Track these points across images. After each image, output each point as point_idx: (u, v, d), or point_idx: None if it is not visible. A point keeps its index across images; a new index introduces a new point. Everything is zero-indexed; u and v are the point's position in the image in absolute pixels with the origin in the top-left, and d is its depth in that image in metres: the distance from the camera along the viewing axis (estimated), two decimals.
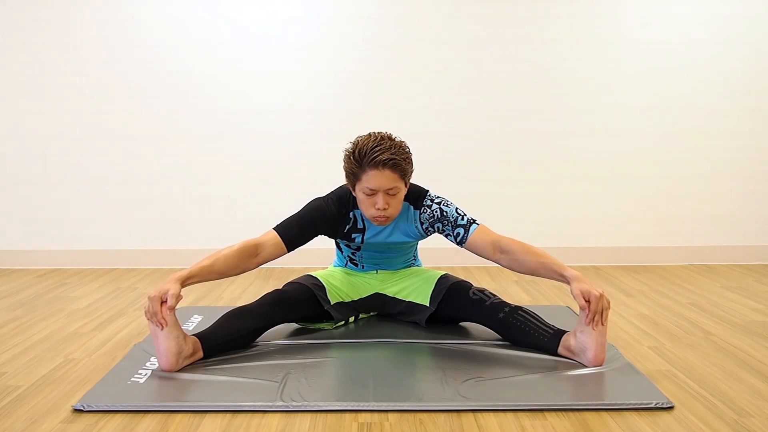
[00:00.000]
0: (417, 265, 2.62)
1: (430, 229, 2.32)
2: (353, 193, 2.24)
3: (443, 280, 2.40)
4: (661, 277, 3.48)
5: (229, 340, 2.15)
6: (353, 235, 2.35)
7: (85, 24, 3.66)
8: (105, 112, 3.72)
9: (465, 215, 2.29)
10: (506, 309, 2.22)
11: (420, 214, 2.30)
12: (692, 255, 3.82)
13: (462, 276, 2.49)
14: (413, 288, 2.45)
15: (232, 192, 3.77)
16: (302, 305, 2.33)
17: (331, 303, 2.39)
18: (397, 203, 2.18)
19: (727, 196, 3.82)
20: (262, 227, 3.73)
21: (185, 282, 2.01)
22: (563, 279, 2.09)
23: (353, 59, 3.67)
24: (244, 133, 3.73)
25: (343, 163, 2.20)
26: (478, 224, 2.26)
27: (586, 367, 2.02)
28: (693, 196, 3.82)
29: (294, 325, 2.45)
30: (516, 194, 3.79)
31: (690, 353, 2.24)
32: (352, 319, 2.49)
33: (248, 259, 2.15)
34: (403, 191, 2.20)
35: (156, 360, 2.07)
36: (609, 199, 3.81)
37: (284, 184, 3.72)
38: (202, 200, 3.77)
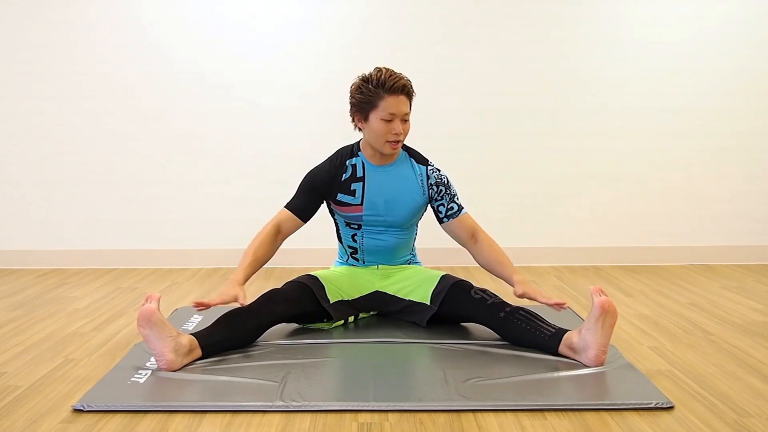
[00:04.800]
0: (416, 264, 2.62)
1: (432, 189, 2.43)
2: (362, 126, 2.35)
3: (444, 279, 2.40)
4: (661, 277, 3.48)
5: (227, 338, 2.15)
6: (353, 186, 2.39)
7: (86, 24, 3.66)
8: (105, 112, 3.72)
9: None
10: (507, 309, 2.22)
11: (428, 170, 2.45)
12: (692, 255, 3.82)
13: (462, 276, 2.49)
14: (414, 287, 2.45)
15: (232, 192, 3.77)
16: (301, 304, 2.33)
17: (331, 302, 2.39)
18: (407, 132, 2.35)
19: (727, 196, 3.82)
20: (261, 227, 3.74)
21: (244, 283, 2.23)
22: (510, 281, 2.32)
23: (352, 59, 3.66)
24: (245, 134, 3.73)
25: (353, 98, 2.31)
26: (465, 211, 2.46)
27: (587, 367, 2.02)
28: (693, 196, 3.82)
29: (294, 325, 2.45)
30: (516, 194, 3.79)
31: (690, 353, 2.24)
32: (351, 319, 2.49)
33: (275, 240, 2.37)
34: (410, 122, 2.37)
35: (156, 361, 2.07)
36: (609, 199, 3.81)
37: (284, 185, 3.70)
38: (202, 200, 3.77)
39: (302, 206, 2.41)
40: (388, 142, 2.30)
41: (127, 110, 3.72)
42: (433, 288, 2.39)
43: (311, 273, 2.46)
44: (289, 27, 3.69)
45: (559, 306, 2.17)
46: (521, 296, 2.26)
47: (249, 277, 2.28)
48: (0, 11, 3.65)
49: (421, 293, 2.42)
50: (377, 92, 2.25)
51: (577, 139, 3.76)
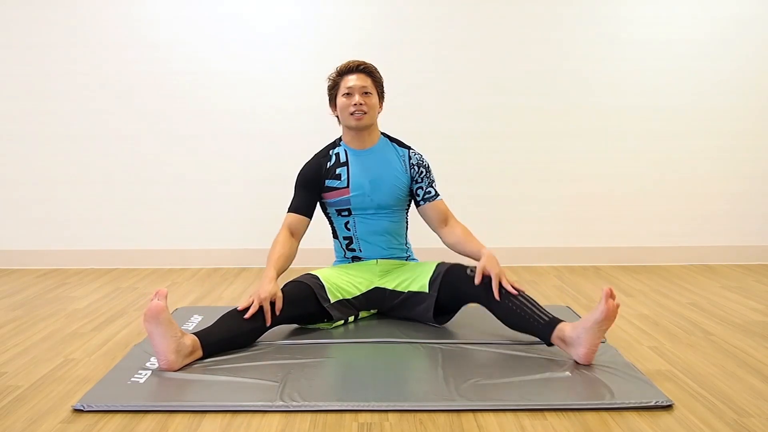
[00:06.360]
0: (413, 261, 2.65)
1: (414, 169, 2.55)
2: (335, 113, 2.55)
3: (440, 266, 2.45)
4: (661, 277, 3.48)
5: (228, 338, 2.16)
6: (338, 171, 2.51)
7: (86, 24, 3.66)
8: (105, 112, 3.72)
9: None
10: (503, 290, 2.23)
11: (410, 152, 2.57)
12: (692, 255, 3.82)
13: None
14: (412, 279, 2.47)
15: (232, 192, 3.77)
16: (302, 303, 2.34)
17: (331, 301, 2.39)
18: (373, 106, 2.48)
19: (727, 196, 3.82)
20: (262, 227, 3.74)
21: (276, 278, 2.30)
22: (477, 255, 2.36)
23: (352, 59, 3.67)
24: (245, 134, 3.73)
25: (327, 90, 2.54)
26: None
27: (585, 365, 2.03)
28: (693, 196, 3.82)
29: (294, 325, 2.45)
30: (516, 194, 3.79)
31: (690, 353, 2.24)
32: (351, 318, 2.49)
33: (291, 241, 2.46)
34: (376, 99, 2.51)
35: (156, 360, 2.08)
36: (609, 199, 3.81)
37: (285, 184, 3.71)
38: (202, 200, 3.77)
39: (302, 203, 2.51)
40: (351, 114, 2.45)
41: (127, 110, 3.72)
42: (430, 276, 2.42)
43: (311, 272, 2.46)
44: (292, 28, 3.69)
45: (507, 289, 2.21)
46: (483, 273, 2.27)
47: (280, 273, 2.35)
48: (0, 11, 3.65)
49: (419, 283, 2.44)
50: (337, 77, 2.51)
51: (577, 138, 3.76)
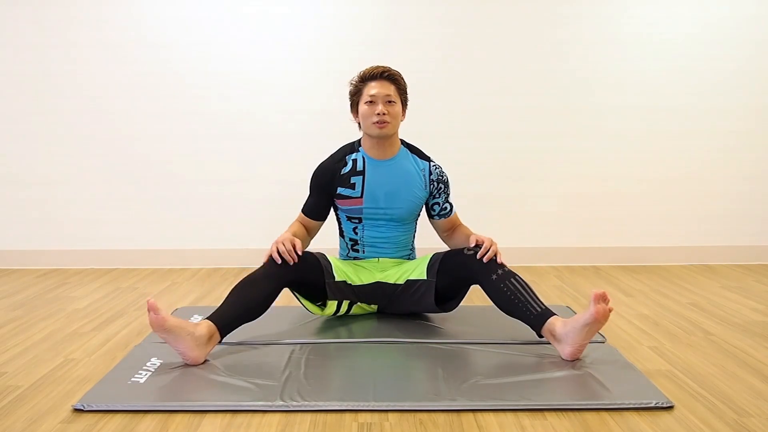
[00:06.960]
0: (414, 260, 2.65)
1: (433, 185, 2.53)
2: (356, 119, 2.49)
3: (437, 254, 2.46)
4: (661, 277, 3.48)
5: (241, 313, 2.18)
6: (352, 180, 2.46)
7: (87, 24, 3.65)
8: (105, 112, 3.72)
9: None
10: (499, 272, 2.23)
11: (431, 166, 2.54)
12: (692, 255, 3.82)
13: None
14: (411, 270, 2.49)
15: (232, 192, 3.77)
16: (308, 269, 2.35)
17: (336, 279, 2.41)
18: (395, 115, 2.43)
19: (727, 196, 3.82)
20: (262, 227, 3.74)
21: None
22: (469, 237, 2.40)
23: (352, 59, 3.66)
24: (245, 134, 3.73)
25: (348, 95, 2.48)
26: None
27: (586, 366, 2.03)
28: (692, 195, 3.82)
29: (294, 327, 2.46)
30: (516, 194, 3.79)
31: (690, 353, 2.24)
32: (345, 306, 2.49)
33: (306, 231, 2.53)
34: (399, 107, 2.44)
35: (157, 360, 2.09)
36: (609, 199, 3.81)
37: (285, 185, 3.72)
38: (202, 200, 3.77)
39: (314, 207, 2.53)
40: (373, 123, 2.39)
41: (126, 111, 3.72)
42: (428, 263, 2.44)
43: (321, 252, 2.49)
44: (290, 27, 3.68)
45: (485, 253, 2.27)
46: (477, 241, 2.34)
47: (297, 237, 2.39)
48: (0, 11, 3.65)
49: (418, 271, 2.46)
50: (360, 83, 2.44)
51: (577, 138, 3.76)
